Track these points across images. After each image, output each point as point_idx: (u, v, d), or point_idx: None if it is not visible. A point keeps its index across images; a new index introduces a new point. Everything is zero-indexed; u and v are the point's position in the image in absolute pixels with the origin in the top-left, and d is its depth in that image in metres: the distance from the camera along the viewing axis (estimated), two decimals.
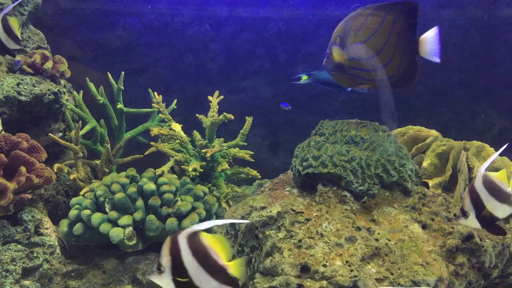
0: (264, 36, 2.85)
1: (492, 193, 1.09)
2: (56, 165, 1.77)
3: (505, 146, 1.20)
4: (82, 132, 1.98)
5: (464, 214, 1.12)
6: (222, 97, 2.10)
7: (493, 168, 1.53)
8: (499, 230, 1.14)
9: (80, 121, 1.91)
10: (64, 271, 1.61)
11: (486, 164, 1.12)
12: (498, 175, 1.10)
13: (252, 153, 2.04)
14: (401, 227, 1.23)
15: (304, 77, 1.78)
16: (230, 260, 0.87)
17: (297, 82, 1.59)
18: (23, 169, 1.53)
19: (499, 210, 1.09)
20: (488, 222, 1.11)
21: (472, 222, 1.12)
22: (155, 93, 2.11)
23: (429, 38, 1.26)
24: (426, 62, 1.31)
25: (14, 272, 1.48)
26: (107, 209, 1.62)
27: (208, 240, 0.86)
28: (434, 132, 1.73)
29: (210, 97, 2.10)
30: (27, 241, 1.55)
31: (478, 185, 1.09)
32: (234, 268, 0.86)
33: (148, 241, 1.67)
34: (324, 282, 1.07)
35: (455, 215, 1.27)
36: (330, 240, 1.17)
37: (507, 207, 1.09)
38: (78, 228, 1.59)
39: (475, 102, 2.83)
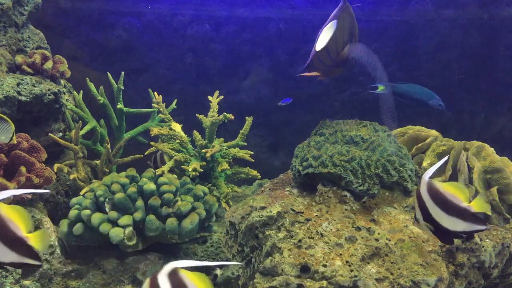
0: (264, 36, 2.84)
1: (437, 203, 1.01)
2: (56, 165, 1.77)
3: (444, 159, 1.14)
4: (82, 132, 1.98)
5: (415, 218, 1.07)
6: (222, 97, 2.10)
7: (493, 168, 1.52)
8: (447, 239, 1.07)
9: (80, 121, 1.91)
10: (64, 271, 1.60)
11: (431, 170, 1.03)
12: (445, 186, 1.01)
13: (252, 153, 2.04)
14: (401, 227, 1.23)
15: (381, 87, 1.77)
16: (31, 232, 0.83)
17: (373, 91, 1.59)
18: (23, 169, 1.54)
19: (448, 222, 1.01)
20: (438, 231, 1.04)
21: (423, 228, 1.06)
22: (155, 93, 2.11)
23: (322, 29, 1.31)
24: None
25: (14, 272, 1.48)
26: (107, 209, 1.62)
27: (5, 211, 0.81)
28: (434, 132, 1.73)
29: (210, 97, 2.10)
30: None
31: (423, 191, 1.02)
32: (34, 239, 0.82)
33: (148, 241, 1.67)
34: (324, 282, 1.07)
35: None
36: (330, 240, 1.17)
37: (461, 221, 1.00)
38: (78, 228, 1.59)
39: (475, 102, 2.83)
